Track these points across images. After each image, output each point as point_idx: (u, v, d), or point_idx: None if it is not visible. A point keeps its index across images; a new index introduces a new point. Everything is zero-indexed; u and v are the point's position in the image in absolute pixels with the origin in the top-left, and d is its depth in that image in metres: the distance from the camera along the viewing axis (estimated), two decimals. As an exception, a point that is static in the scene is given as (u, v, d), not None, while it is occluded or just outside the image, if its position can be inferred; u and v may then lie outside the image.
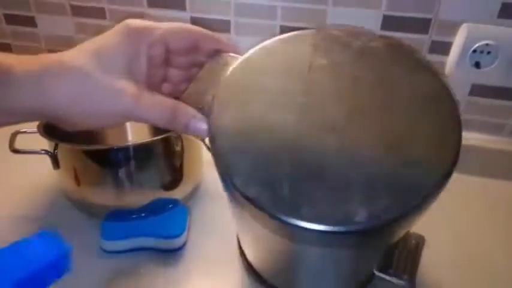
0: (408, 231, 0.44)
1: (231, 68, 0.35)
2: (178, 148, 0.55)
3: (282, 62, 0.35)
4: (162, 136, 0.52)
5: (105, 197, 0.54)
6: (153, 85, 0.35)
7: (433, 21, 0.60)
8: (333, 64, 0.34)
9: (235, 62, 0.35)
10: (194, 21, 0.69)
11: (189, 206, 0.58)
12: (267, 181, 0.29)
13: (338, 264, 0.42)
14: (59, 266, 0.25)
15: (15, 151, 0.53)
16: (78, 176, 0.54)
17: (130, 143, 0.56)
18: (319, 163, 0.30)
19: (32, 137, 0.53)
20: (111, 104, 0.31)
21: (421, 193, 0.28)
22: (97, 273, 0.49)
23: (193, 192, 0.61)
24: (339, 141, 0.30)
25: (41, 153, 0.53)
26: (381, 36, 0.36)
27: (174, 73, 0.38)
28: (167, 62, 0.36)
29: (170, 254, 0.52)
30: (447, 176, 0.30)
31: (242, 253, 0.52)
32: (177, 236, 0.52)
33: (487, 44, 0.59)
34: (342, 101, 0.33)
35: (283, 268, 0.46)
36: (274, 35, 0.37)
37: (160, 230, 0.52)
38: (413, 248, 0.49)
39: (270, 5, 0.64)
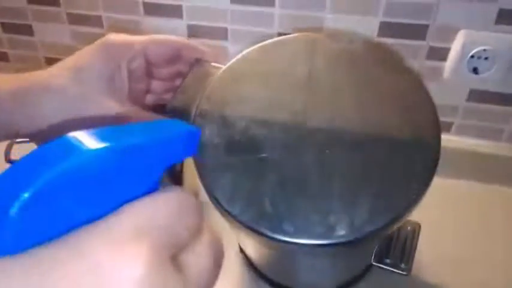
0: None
1: (212, 79, 0.35)
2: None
3: (263, 71, 0.35)
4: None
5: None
6: (137, 97, 0.35)
7: (430, 28, 0.60)
8: (313, 71, 0.34)
9: (217, 71, 0.35)
10: (191, 29, 0.69)
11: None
12: (250, 197, 0.29)
13: (332, 263, 0.42)
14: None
15: (11, 162, 0.52)
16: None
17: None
18: (301, 176, 0.30)
19: (27, 147, 0.53)
20: (93, 122, 0.31)
21: (402, 202, 0.28)
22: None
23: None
24: (320, 152, 0.30)
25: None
26: (361, 38, 0.36)
27: (157, 84, 0.38)
28: (149, 74, 0.36)
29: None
30: (427, 182, 0.30)
31: (242, 249, 0.52)
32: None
33: (484, 50, 0.59)
34: (324, 109, 0.32)
35: (281, 265, 0.46)
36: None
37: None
38: (410, 236, 0.50)
39: (267, 12, 0.64)
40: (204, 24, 0.68)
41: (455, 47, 0.60)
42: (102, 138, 0.16)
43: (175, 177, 0.55)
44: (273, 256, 0.44)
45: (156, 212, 0.16)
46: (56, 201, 0.15)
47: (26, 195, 0.14)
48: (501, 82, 0.61)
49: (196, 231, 0.18)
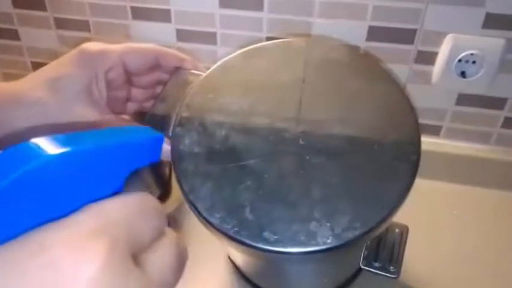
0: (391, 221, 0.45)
1: (192, 87, 0.35)
2: (165, 162, 0.55)
3: (243, 79, 0.35)
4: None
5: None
6: (117, 106, 0.35)
7: (418, 32, 0.61)
8: (294, 78, 0.34)
9: (197, 79, 0.35)
10: (179, 33, 0.68)
11: (179, 218, 0.57)
12: (230, 206, 0.29)
13: (319, 269, 0.42)
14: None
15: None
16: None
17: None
18: (282, 183, 0.29)
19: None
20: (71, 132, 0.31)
21: (382, 207, 0.28)
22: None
23: (182, 205, 0.60)
24: (300, 160, 0.30)
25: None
26: (344, 45, 0.35)
27: (138, 92, 0.37)
28: (129, 82, 0.36)
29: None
30: (408, 187, 0.29)
31: (230, 258, 0.52)
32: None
33: (472, 54, 0.59)
34: (303, 117, 0.32)
35: (268, 272, 0.46)
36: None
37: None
38: (398, 239, 0.50)
39: (255, 17, 0.64)
40: (192, 29, 0.67)
41: (443, 51, 0.61)
42: (62, 143, 0.17)
43: (164, 183, 0.55)
44: (259, 263, 0.44)
45: (117, 211, 0.17)
46: (18, 203, 0.16)
47: None
48: (489, 86, 0.61)
49: (159, 233, 0.19)
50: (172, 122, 0.33)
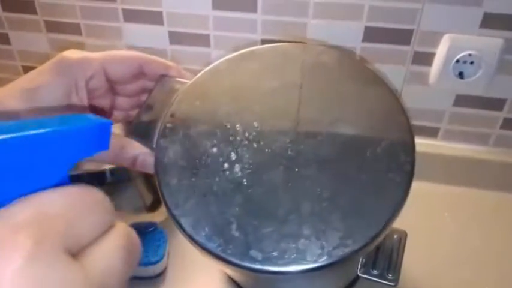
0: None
1: (177, 95, 0.33)
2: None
3: (230, 86, 0.33)
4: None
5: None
6: (101, 115, 0.34)
7: (415, 32, 0.59)
8: (282, 84, 0.32)
9: (182, 87, 0.34)
10: (172, 35, 0.67)
11: (169, 229, 0.56)
12: (216, 222, 0.27)
13: (312, 283, 0.41)
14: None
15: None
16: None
17: (107, 167, 0.54)
18: (270, 198, 0.28)
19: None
20: None
21: (375, 222, 0.27)
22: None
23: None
24: (289, 172, 0.29)
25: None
26: (335, 50, 0.34)
27: (123, 101, 0.36)
28: (113, 91, 0.35)
29: (149, 282, 0.50)
30: (402, 199, 0.28)
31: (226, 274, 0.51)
32: (156, 262, 0.50)
33: (470, 54, 0.58)
34: (293, 126, 0.31)
35: (262, 285, 0.45)
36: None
37: (137, 256, 0.49)
38: (396, 245, 0.49)
39: (249, 18, 0.63)
40: (185, 31, 0.66)
41: (441, 52, 0.59)
42: None
43: (156, 191, 0.54)
44: (253, 280, 0.43)
45: (53, 203, 0.16)
46: None
47: None
48: (487, 86, 0.60)
49: (106, 226, 0.18)
50: (156, 133, 0.32)
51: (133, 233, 0.20)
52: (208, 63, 0.36)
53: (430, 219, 0.60)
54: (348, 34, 0.61)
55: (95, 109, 0.33)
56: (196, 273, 0.51)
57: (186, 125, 0.32)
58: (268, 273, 0.26)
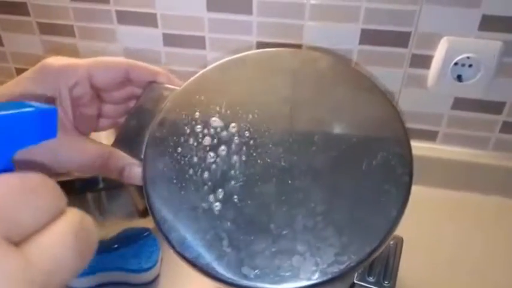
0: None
1: (166, 103, 0.32)
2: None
3: (221, 93, 0.32)
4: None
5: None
6: (87, 123, 0.33)
7: (412, 35, 0.59)
8: (274, 92, 0.31)
9: (171, 94, 0.33)
10: (167, 38, 0.66)
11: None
12: (206, 238, 0.26)
13: None
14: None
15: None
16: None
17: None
18: (261, 212, 0.27)
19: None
20: (29, 154, 0.28)
21: (372, 237, 0.26)
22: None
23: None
24: (282, 184, 0.28)
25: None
26: (327, 56, 0.33)
27: (110, 108, 0.35)
28: (99, 98, 0.34)
29: (142, 289, 0.49)
30: (400, 212, 0.27)
31: None
32: (149, 269, 0.49)
33: (468, 57, 0.57)
34: (286, 135, 0.30)
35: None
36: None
37: (130, 263, 0.49)
38: (392, 251, 0.48)
39: (245, 20, 0.62)
40: (180, 33, 0.65)
41: (439, 55, 0.59)
42: None
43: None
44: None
45: None
46: None
47: None
48: (486, 89, 0.60)
49: (51, 213, 0.17)
50: (143, 143, 0.31)
51: (87, 219, 0.18)
52: (205, 66, 0.35)
53: (427, 224, 0.59)
54: (345, 36, 0.60)
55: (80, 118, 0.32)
56: (189, 280, 0.50)
57: (174, 134, 0.30)
58: None
